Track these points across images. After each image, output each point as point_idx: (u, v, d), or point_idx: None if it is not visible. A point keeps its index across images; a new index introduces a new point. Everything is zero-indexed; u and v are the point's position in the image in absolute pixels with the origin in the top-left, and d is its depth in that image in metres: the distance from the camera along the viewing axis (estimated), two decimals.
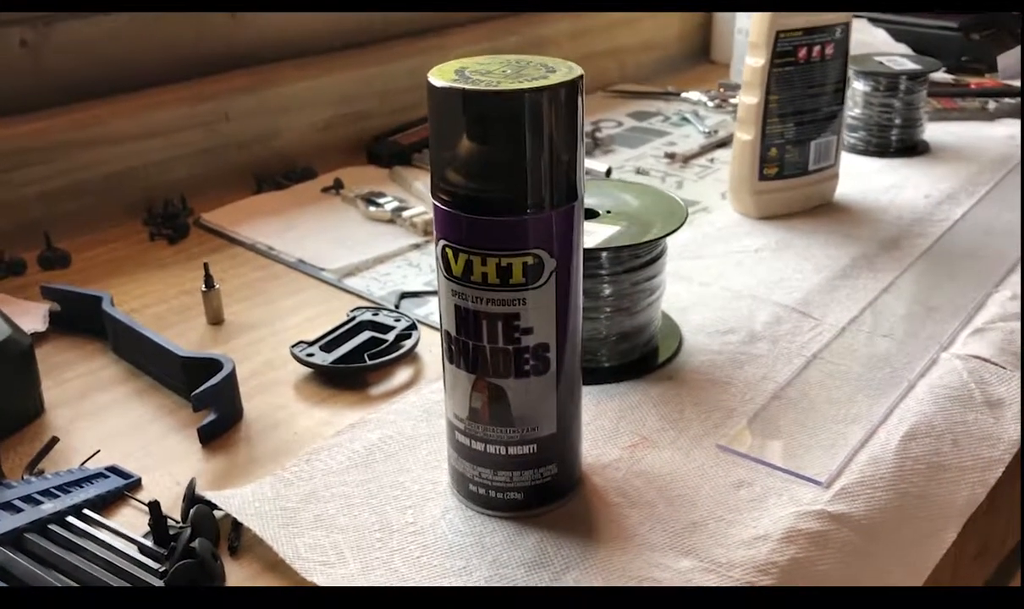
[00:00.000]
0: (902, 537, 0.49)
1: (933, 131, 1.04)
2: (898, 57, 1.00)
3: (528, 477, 0.47)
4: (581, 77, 0.42)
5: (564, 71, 0.42)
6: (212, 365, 0.56)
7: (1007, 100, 1.11)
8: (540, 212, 0.42)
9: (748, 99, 0.79)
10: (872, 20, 1.37)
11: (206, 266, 0.68)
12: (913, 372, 0.59)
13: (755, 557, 0.44)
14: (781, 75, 0.78)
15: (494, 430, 0.46)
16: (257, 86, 0.93)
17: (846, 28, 0.80)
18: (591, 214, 0.61)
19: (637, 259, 0.60)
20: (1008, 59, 1.24)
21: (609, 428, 0.55)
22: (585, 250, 0.57)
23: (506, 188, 0.42)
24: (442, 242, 0.44)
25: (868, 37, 1.33)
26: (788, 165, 0.81)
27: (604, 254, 0.59)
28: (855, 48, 1.21)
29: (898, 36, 1.33)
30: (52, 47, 0.83)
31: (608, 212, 0.62)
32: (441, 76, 0.42)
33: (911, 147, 0.99)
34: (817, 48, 0.79)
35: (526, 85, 0.41)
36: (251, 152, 0.93)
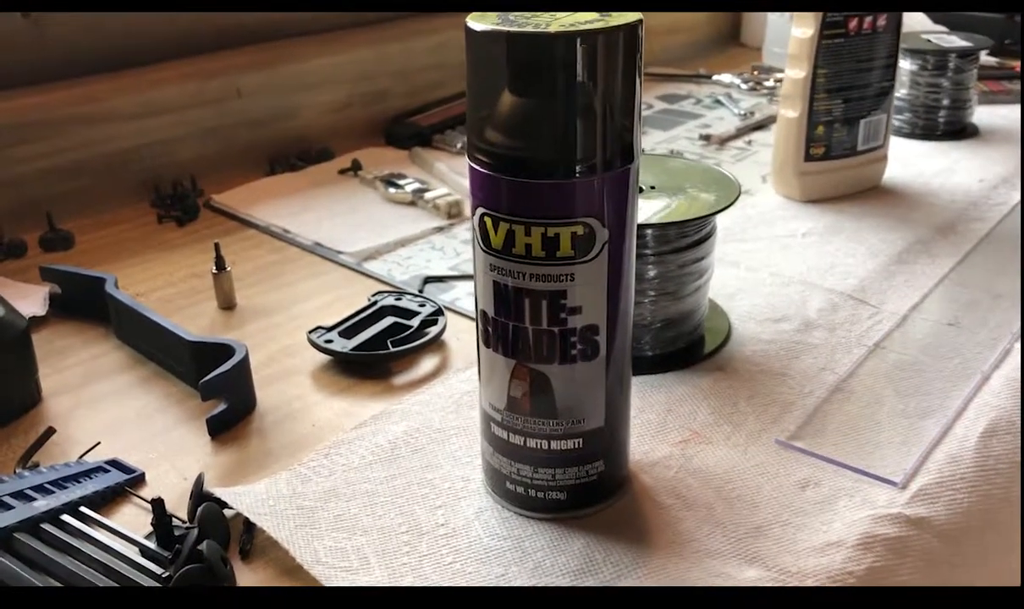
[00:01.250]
0: (987, 544, 0.44)
1: (980, 114, 0.98)
2: (946, 34, 0.94)
3: (572, 475, 0.42)
4: (640, 22, 0.37)
5: (619, 17, 0.37)
6: (223, 351, 0.52)
7: None
8: (591, 175, 0.38)
9: (794, 73, 0.74)
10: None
11: (217, 246, 0.63)
12: (986, 363, 0.54)
13: (828, 566, 0.40)
14: (830, 47, 0.73)
15: (536, 422, 0.41)
16: (270, 63, 0.88)
17: None
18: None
19: (685, 238, 0.55)
20: None
21: (656, 422, 0.50)
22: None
23: (553, 146, 0.37)
24: (480, 210, 0.39)
25: (906, 18, 1.27)
26: (836, 145, 0.76)
27: (649, 232, 0.54)
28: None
29: (936, 18, 1.27)
30: (56, 20, 0.79)
31: (652, 187, 0.57)
32: (481, 20, 0.37)
33: (959, 130, 0.93)
34: (868, 19, 0.74)
35: (579, 28, 0.36)
36: (264, 132, 0.89)
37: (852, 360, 0.55)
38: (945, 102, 0.92)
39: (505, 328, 0.40)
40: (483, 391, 0.43)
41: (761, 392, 0.52)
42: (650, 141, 0.94)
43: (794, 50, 0.74)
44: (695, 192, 0.56)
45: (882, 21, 0.74)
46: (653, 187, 0.57)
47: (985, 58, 1.19)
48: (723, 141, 0.93)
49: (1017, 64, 1.18)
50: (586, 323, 0.40)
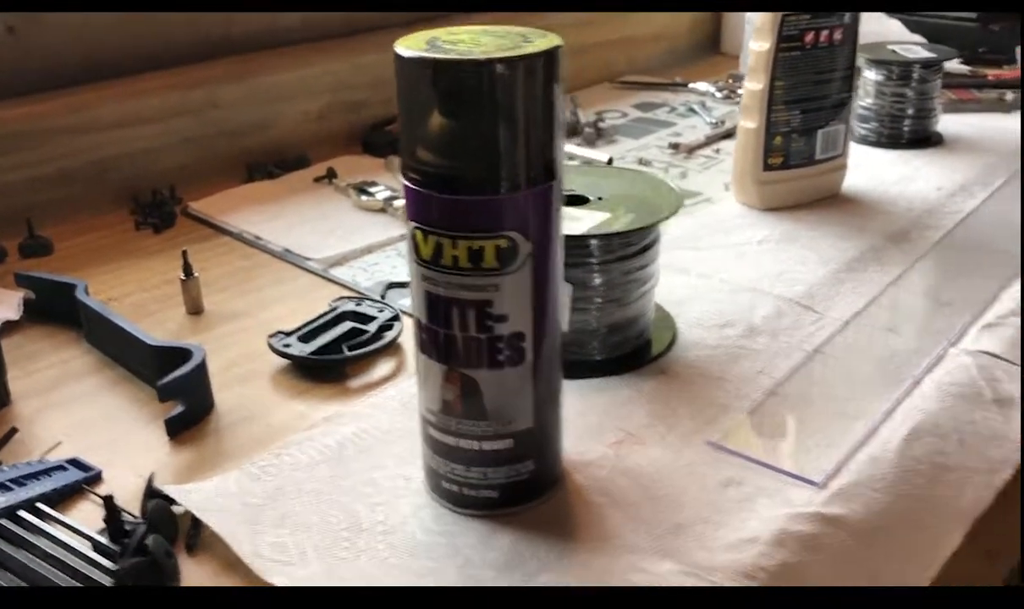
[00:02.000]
0: (901, 541, 0.46)
1: (948, 123, 1.00)
2: (912, 45, 0.96)
3: (503, 474, 0.45)
4: (559, 47, 0.39)
5: (541, 41, 0.40)
6: (182, 354, 0.54)
7: None
8: (514, 192, 0.40)
9: (753, 85, 0.76)
10: (887, 11, 1.33)
11: (184, 254, 0.66)
12: (919, 368, 0.56)
13: (741, 561, 0.42)
14: (787, 60, 0.75)
15: (467, 424, 0.43)
16: (249, 74, 0.91)
17: (855, 13, 0.76)
18: (581, 200, 0.59)
19: (629, 247, 0.57)
20: None
21: (595, 424, 0.52)
22: (574, 237, 0.55)
23: (477, 165, 0.39)
24: (412, 224, 0.41)
25: (881, 28, 1.29)
26: (794, 154, 0.78)
27: (594, 242, 0.56)
28: (868, 38, 1.19)
29: (913, 27, 1.29)
30: (39, 32, 0.81)
31: (599, 199, 0.59)
32: (410, 46, 0.39)
33: (924, 138, 0.95)
34: (825, 33, 0.76)
35: (499, 55, 0.38)
36: (243, 141, 0.91)
37: (790, 365, 0.57)
38: (910, 112, 0.94)
39: (436, 335, 0.42)
40: (420, 395, 0.45)
41: (699, 395, 0.54)
42: (620, 149, 0.96)
43: (752, 63, 0.76)
44: (640, 203, 0.58)
45: (838, 35, 0.76)
46: (600, 198, 0.59)
47: (957, 66, 1.21)
48: (691, 150, 0.95)
49: (990, 72, 1.19)
50: (512, 331, 0.42)
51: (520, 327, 0.42)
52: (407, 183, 0.41)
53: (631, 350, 0.59)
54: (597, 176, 0.63)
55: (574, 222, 0.55)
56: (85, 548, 0.43)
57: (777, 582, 0.41)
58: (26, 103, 0.80)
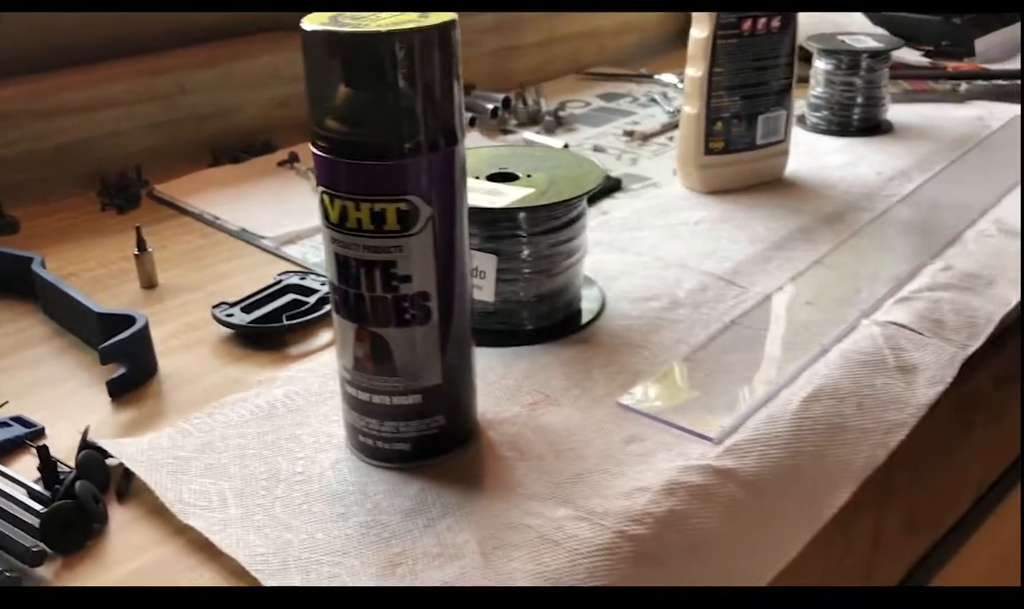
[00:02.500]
0: (792, 495, 0.49)
1: (901, 112, 1.03)
2: (862, 36, 0.99)
3: (414, 427, 0.47)
4: (454, 21, 0.42)
5: (436, 16, 0.42)
6: (126, 321, 0.57)
7: (978, 82, 1.10)
8: (415, 156, 0.43)
9: (693, 72, 0.79)
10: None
11: (138, 229, 0.69)
12: (829, 337, 0.59)
13: (631, 507, 0.44)
14: (725, 47, 0.78)
15: (378, 380, 0.46)
16: (215, 61, 0.94)
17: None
18: (511, 177, 0.62)
19: (555, 220, 0.60)
20: (986, 43, 1.23)
21: (514, 387, 0.55)
22: (502, 211, 0.58)
23: (378, 131, 0.42)
24: (320, 189, 0.44)
25: (846, 19, 1.32)
26: (735, 139, 0.81)
27: (521, 215, 0.59)
28: (830, 28, 1.21)
29: (877, 21, 1.32)
30: (10, 20, 0.84)
31: (528, 176, 0.62)
32: (314, 21, 0.42)
33: (874, 126, 0.98)
34: (763, 20, 0.78)
35: (398, 27, 0.41)
36: (209, 126, 0.94)
37: (707, 334, 0.60)
38: (859, 100, 0.97)
39: (347, 295, 0.45)
40: (337, 354, 0.48)
41: (616, 362, 0.57)
42: (579, 137, 0.99)
43: (692, 50, 0.79)
44: (566, 180, 0.61)
45: (776, 22, 0.79)
46: (529, 175, 0.62)
47: (919, 58, 1.24)
48: (646, 137, 0.97)
49: (950, 64, 1.22)
50: (417, 290, 0.45)
51: (425, 287, 0.45)
52: (315, 151, 0.44)
53: (560, 319, 0.62)
54: (530, 157, 0.66)
55: (498, 196, 0.58)
56: (20, 494, 0.46)
57: (664, 528, 0.44)
58: None
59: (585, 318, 0.62)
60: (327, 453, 0.49)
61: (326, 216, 0.44)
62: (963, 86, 1.09)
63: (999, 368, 0.75)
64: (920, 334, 0.59)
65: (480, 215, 0.58)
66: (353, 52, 0.41)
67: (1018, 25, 1.29)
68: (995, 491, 0.85)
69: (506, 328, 0.61)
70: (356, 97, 0.42)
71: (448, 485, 0.47)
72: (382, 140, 0.42)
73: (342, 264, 0.45)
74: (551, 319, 0.62)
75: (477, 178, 0.61)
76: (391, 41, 0.41)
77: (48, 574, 0.42)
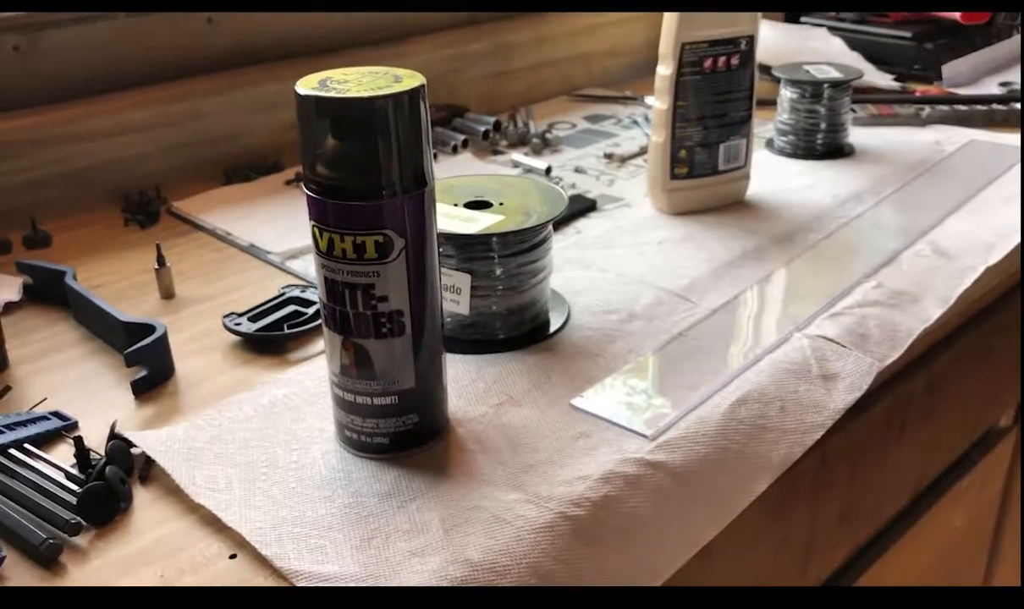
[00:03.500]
0: (714, 485, 0.57)
1: (864, 136, 1.11)
2: (824, 66, 1.07)
3: (392, 424, 0.56)
4: (423, 85, 0.51)
5: (409, 80, 0.51)
6: (147, 329, 0.66)
7: (941, 107, 1.17)
8: (391, 198, 0.51)
9: (659, 104, 0.87)
10: (831, 29, 1.44)
11: (158, 246, 0.77)
12: (763, 348, 0.67)
13: (571, 493, 0.53)
14: (688, 83, 0.86)
15: (361, 383, 0.55)
16: (228, 89, 1.02)
17: (751, 41, 0.87)
18: (485, 204, 0.70)
19: (523, 244, 0.68)
20: (952, 68, 1.31)
21: (483, 389, 0.63)
22: (476, 236, 0.66)
23: (358, 178, 0.50)
24: (312, 223, 0.52)
25: (824, 45, 1.40)
26: (698, 165, 0.89)
27: (494, 239, 0.67)
28: (810, 56, 1.30)
29: (854, 45, 1.40)
30: (41, 52, 0.93)
31: (501, 203, 0.70)
32: (305, 85, 0.50)
33: (837, 150, 1.06)
34: (723, 59, 0.86)
35: (371, 93, 0.49)
36: (223, 148, 1.03)
37: (656, 344, 0.68)
38: (822, 126, 1.05)
39: (334, 311, 0.54)
40: (327, 361, 0.56)
41: (573, 368, 0.65)
42: (563, 158, 1.07)
43: (658, 85, 0.87)
44: (534, 208, 0.69)
45: (736, 60, 0.87)
46: (502, 203, 0.70)
47: (890, 83, 1.31)
48: (623, 160, 1.06)
49: (920, 88, 1.30)
50: (393, 308, 0.53)
51: (399, 305, 0.53)
52: (307, 192, 0.52)
53: (528, 330, 0.70)
54: (504, 186, 0.74)
55: (472, 223, 0.66)
56: (59, 477, 0.55)
57: (599, 510, 0.52)
58: (29, 115, 0.92)
59: (552, 329, 0.71)
60: (319, 445, 0.58)
61: (316, 245, 0.53)
62: (926, 110, 1.17)
63: (932, 375, 0.83)
64: (843, 346, 0.67)
65: (456, 240, 0.66)
66: (339, 113, 0.49)
67: (985, 51, 1.37)
68: (934, 490, 0.93)
69: (481, 338, 0.69)
70: (341, 149, 0.50)
71: (420, 473, 0.55)
72: (362, 185, 0.50)
73: (330, 286, 0.53)
74: (520, 329, 0.70)
75: (456, 206, 0.69)
76: (371, 104, 0.49)
77: (83, 542, 0.51)
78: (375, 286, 0.52)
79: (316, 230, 0.52)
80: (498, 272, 0.68)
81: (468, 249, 0.67)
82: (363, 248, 0.51)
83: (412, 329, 0.54)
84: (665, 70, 0.86)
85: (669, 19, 0.85)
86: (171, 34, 1.01)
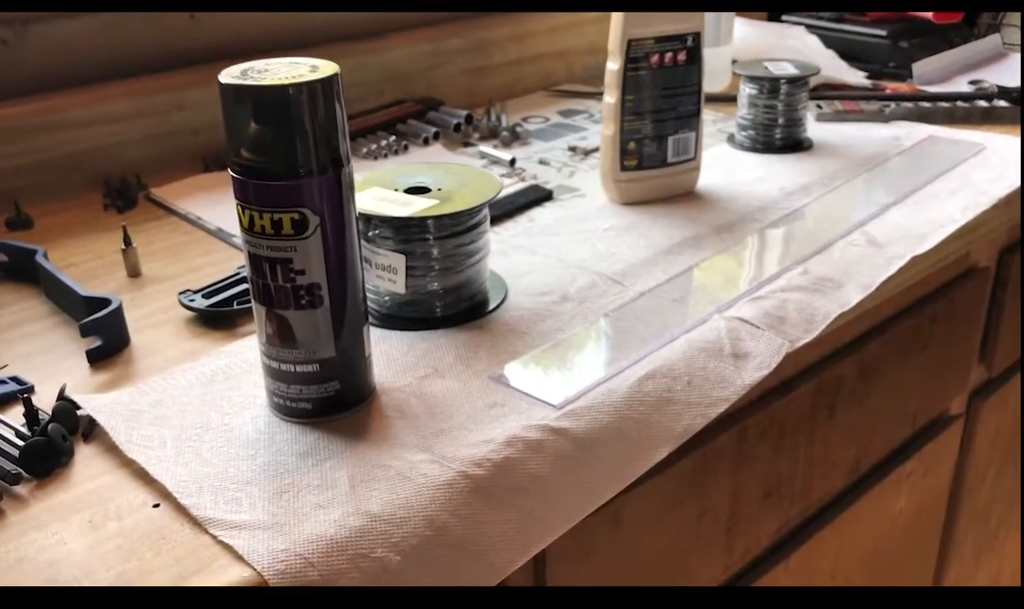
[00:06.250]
0: (615, 452, 0.61)
1: (826, 131, 1.14)
2: (784, 63, 1.10)
3: (314, 391, 0.60)
4: (336, 74, 0.55)
5: (324, 69, 0.55)
6: (104, 303, 0.70)
7: (904, 104, 1.20)
8: (308, 177, 0.55)
9: (608, 98, 0.91)
10: (808, 27, 1.47)
11: (124, 228, 0.82)
12: (681, 328, 0.70)
13: (475, 454, 0.57)
14: (635, 78, 0.89)
15: (284, 351, 0.59)
16: (209, 81, 1.07)
17: (697, 37, 0.91)
18: (424, 190, 0.74)
19: (459, 226, 0.72)
20: (923, 67, 1.33)
21: (412, 362, 0.67)
22: (412, 218, 0.70)
23: (275, 160, 0.55)
24: (237, 202, 0.57)
25: (800, 43, 1.43)
26: (647, 157, 0.93)
27: (431, 222, 0.71)
28: (787, 53, 1.33)
29: (830, 43, 1.42)
30: (28, 45, 0.98)
31: (439, 189, 0.74)
32: (227, 75, 0.55)
33: (794, 145, 1.09)
34: (669, 55, 0.90)
35: (290, 81, 0.53)
36: (203, 138, 1.08)
37: (583, 324, 0.71)
38: (780, 121, 1.08)
39: (258, 284, 0.58)
40: (257, 331, 0.61)
41: (501, 344, 0.69)
42: (529, 151, 1.11)
43: (608, 79, 0.90)
44: (471, 192, 0.73)
45: (682, 56, 0.90)
46: (440, 189, 0.74)
47: (863, 80, 1.34)
48: (587, 152, 1.09)
49: (891, 86, 1.32)
50: (310, 281, 0.57)
51: (316, 279, 0.57)
52: (232, 173, 0.56)
53: (465, 308, 0.74)
54: (444, 173, 0.78)
55: (408, 206, 0.71)
56: (9, 434, 0.60)
57: (498, 470, 0.56)
58: (15, 104, 0.97)
59: (488, 308, 0.75)
60: (250, 410, 0.62)
61: (240, 222, 0.57)
62: (890, 107, 1.19)
63: (863, 362, 0.86)
64: (758, 328, 0.71)
65: (392, 222, 0.70)
66: (258, 100, 0.54)
67: (957, 50, 1.39)
68: (876, 473, 0.96)
69: (420, 315, 0.73)
70: (259, 133, 0.54)
71: (338, 436, 0.59)
72: (279, 166, 0.55)
73: (253, 260, 0.57)
74: (457, 308, 0.74)
75: (396, 190, 0.74)
76: (287, 91, 0.53)
77: (24, 491, 0.56)
78: (293, 260, 0.56)
79: (239, 208, 0.57)
80: (435, 253, 0.72)
81: (404, 231, 0.71)
82: (280, 224, 0.56)
83: (331, 301, 0.58)
84: (613, 65, 0.89)
85: (616, 16, 0.89)
86: (154, 29, 1.06)
